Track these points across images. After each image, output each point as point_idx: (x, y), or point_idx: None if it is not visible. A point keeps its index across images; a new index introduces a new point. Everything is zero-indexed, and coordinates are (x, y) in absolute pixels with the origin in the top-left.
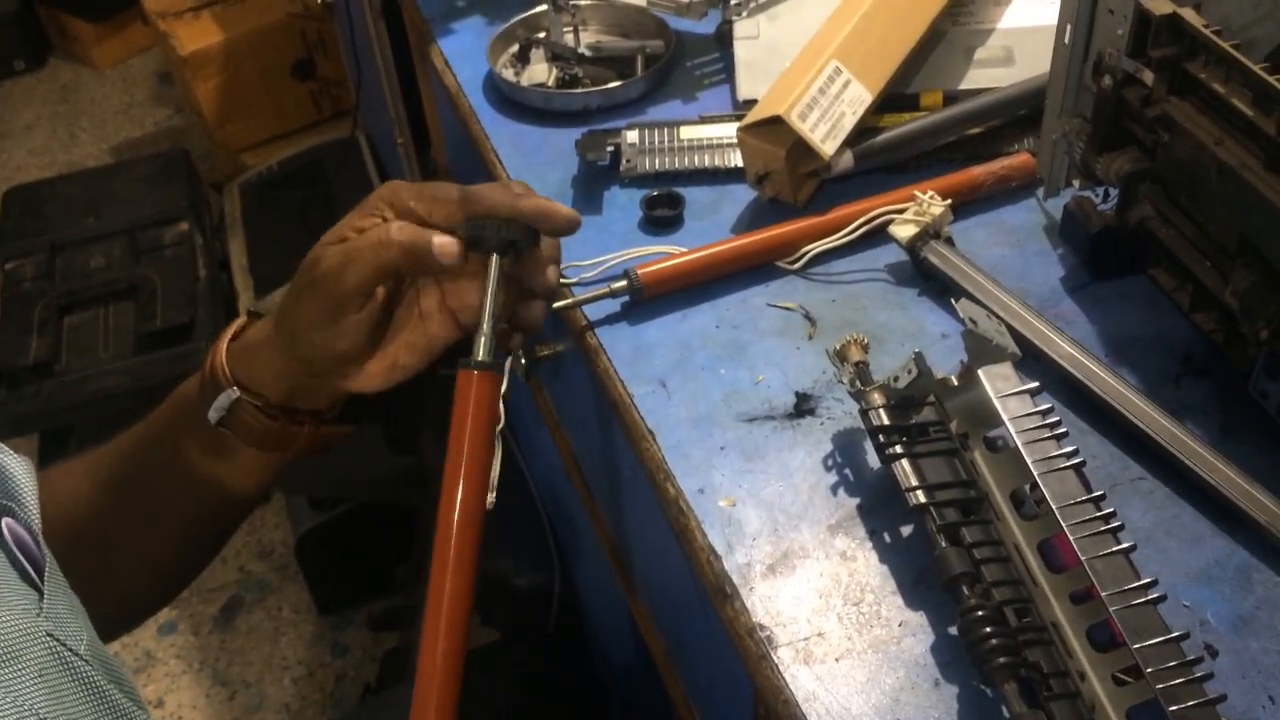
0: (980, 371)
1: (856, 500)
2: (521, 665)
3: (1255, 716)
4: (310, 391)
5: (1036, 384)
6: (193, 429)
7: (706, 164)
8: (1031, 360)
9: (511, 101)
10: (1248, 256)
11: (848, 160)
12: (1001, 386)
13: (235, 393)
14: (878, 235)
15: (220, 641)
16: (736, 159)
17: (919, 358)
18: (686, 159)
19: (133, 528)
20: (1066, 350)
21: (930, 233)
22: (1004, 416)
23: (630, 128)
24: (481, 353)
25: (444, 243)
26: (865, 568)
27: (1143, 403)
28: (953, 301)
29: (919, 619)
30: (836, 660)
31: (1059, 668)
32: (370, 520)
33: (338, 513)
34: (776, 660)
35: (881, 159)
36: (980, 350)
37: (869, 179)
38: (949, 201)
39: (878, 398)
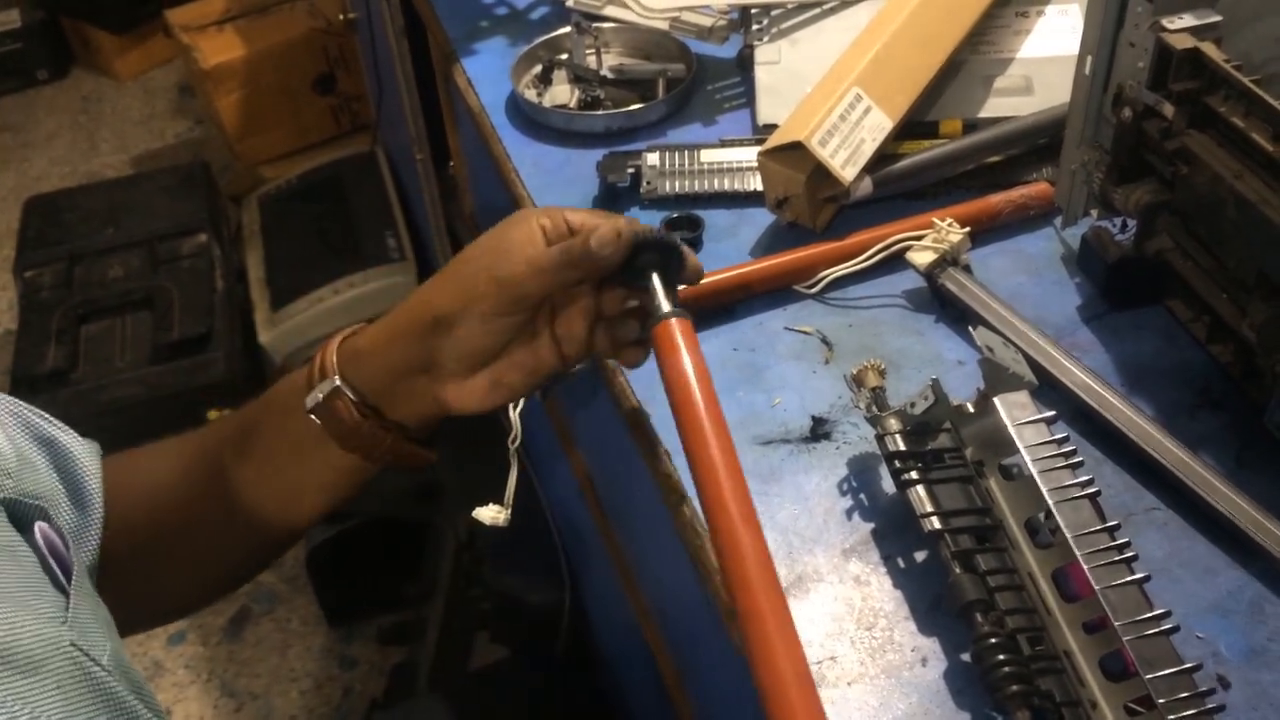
0: (996, 399)
1: (871, 525)
2: (530, 685)
3: None
4: (410, 397)
5: (1053, 413)
6: (285, 421)
7: (726, 187)
8: (1048, 389)
9: (533, 122)
10: (1265, 290)
11: (867, 186)
12: (1018, 414)
13: (336, 380)
14: (896, 261)
15: (229, 652)
16: (756, 183)
17: (936, 384)
18: (706, 182)
19: (212, 517)
20: (1082, 379)
21: (948, 259)
22: (1019, 444)
23: (651, 150)
24: (665, 304)
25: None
26: (879, 592)
27: (1158, 433)
28: (970, 329)
29: (932, 645)
30: (849, 684)
31: (1071, 697)
32: (381, 534)
33: (349, 526)
34: None
35: (900, 186)
36: (996, 378)
37: (888, 205)
38: (967, 229)
39: (894, 423)
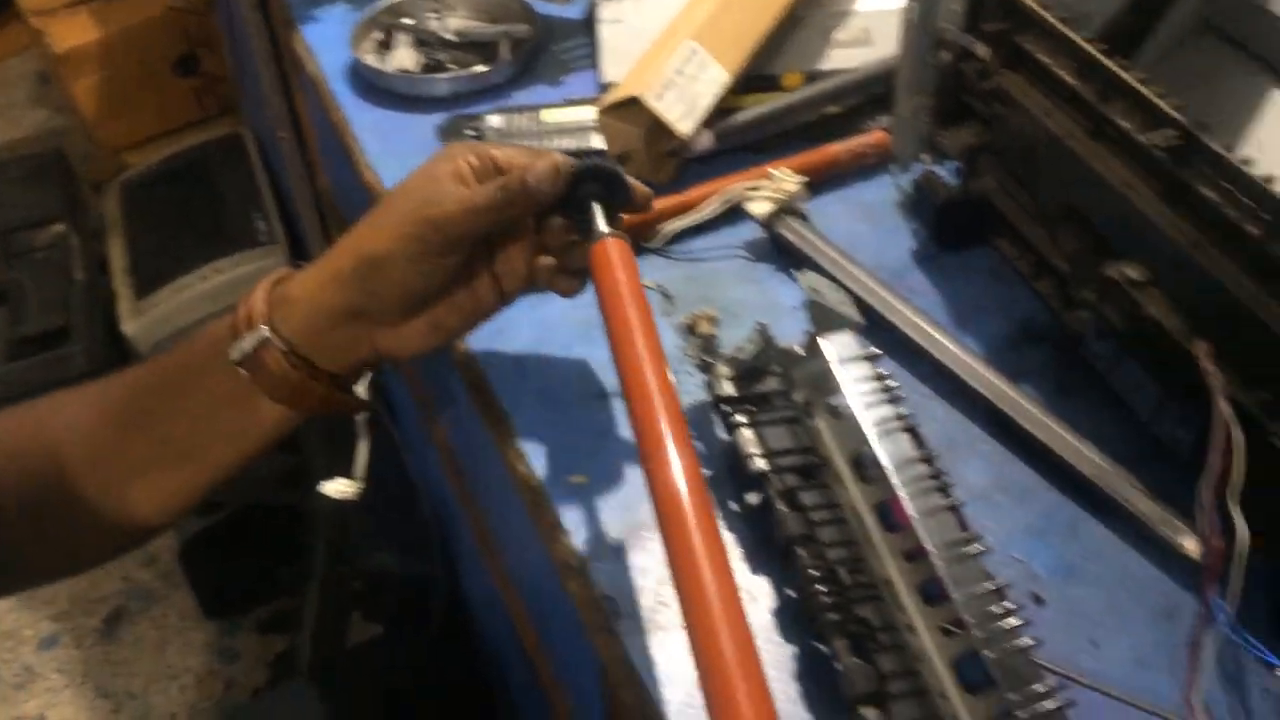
0: (822, 340)
1: (708, 472)
2: (405, 660)
3: (1079, 660)
4: (343, 344)
5: (876, 350)
6: (203, 378)
7: (572, 145)
8: (881, 331)
9: (375, 88)
10: (1074, 222)
11: (708, 139)
12: (842, 354)
13: (265, 331)
14: (736, 213)
15: (104, 653)
16: (599, 141)
17: (763, 328)
18: (550, 142)
19: (138, 464)
20: (913, 320)
21: (786, 209)
22: (842, 382)
23: (494, 112)
24: (604, 227)
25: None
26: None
27: (982, 368)
28: (794, 273)
29: (762, 584)
30: (680, 628)
31: (889, 622)
32: (254, 522)
33: (221, 516)
34: (620, 630)
35: (743, 138)
36: (823, 319)
37: (732, 159)
38: (804, 178)
39: (724, 370)
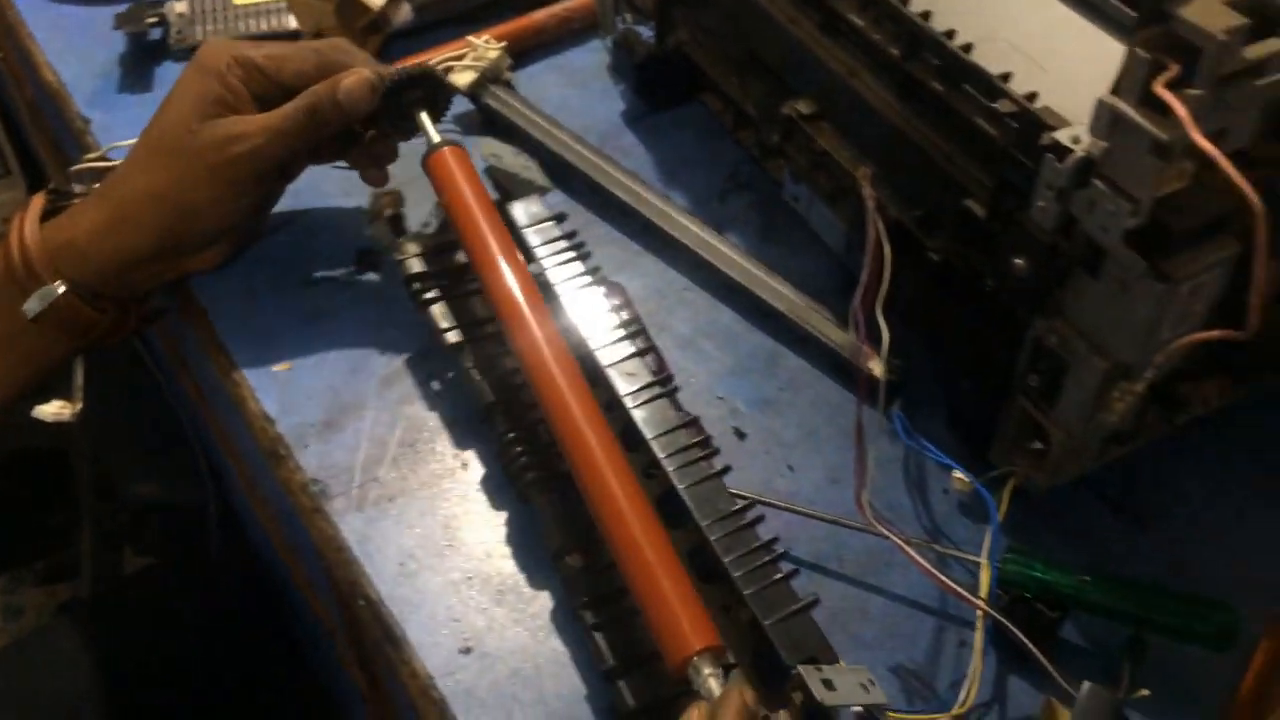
0: (509, 205)
1: (411, 351)
2: (185, 590)
3: (776, 484)
4: (145, 280)
5: (561, 211)
6: None
7: (265, 28)
8: (590, 193)
9: None
10: (758, 68)
11: (406, 13)
12: (529, 217)
13: (60, 287)
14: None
15: None
16: (294, 22)
17: (440, 203)
18: (243, 25)
19: None
20: (620, 180)
21: (489, 78)
22: (531, 244)
23: None
24: (435, 136)
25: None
26: (421, 413)
27: (687, 220)
28: (474, 143)
29: (470, 454)
30: (390, 500)
31: None
32: (19, 472)
33: None
34: (330, 511)
35: (446, 10)
36: (509, 185)
37: (438, 31)
38: (504, 44)
39: (412, 247)
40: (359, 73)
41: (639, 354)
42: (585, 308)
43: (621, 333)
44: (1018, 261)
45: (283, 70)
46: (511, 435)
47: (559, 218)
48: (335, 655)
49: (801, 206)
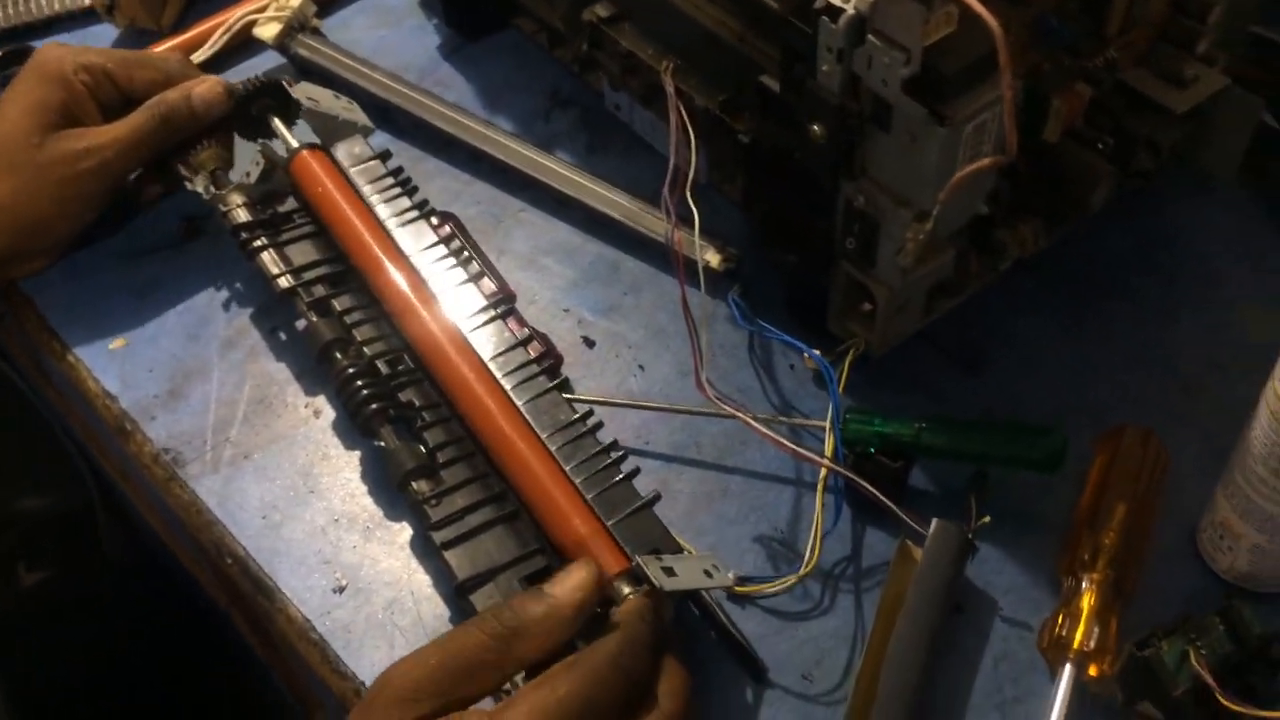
0: (333, 149)
1: (251, 308)
2: (85, 598)
3: (630, 385)
4: None
5: (385, 150)
6: None
7: (57, 9)
8: (415, 130)
9: None
10: None
11: None
12: (352, 159)
13: None
14: (252, 44)
15: None
16: None
17: (264, 147)
18: (24, 5)
19: None
20: (441, 111)
21: (296, 27)
22: (358, 185)
23: None
24: (294, 140)
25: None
26: (268, 368)
27: (513, 143)
28: (286, 83)
29: (322, 400)
30: (246, 458)
31: (432, 400)
32: None
33: None
34: (185, 477)
35: None
36: (328, 129)
37: None
38: None
39: (236, 198)
40: (211, 79)
41: (472, 280)
42: (414, 241)
43: (452, 261)
44: (815, 128)
45: (134, 79)
46: (350, 371)
47: (383, 155)
48: (236, 629)
49: (624, 114)
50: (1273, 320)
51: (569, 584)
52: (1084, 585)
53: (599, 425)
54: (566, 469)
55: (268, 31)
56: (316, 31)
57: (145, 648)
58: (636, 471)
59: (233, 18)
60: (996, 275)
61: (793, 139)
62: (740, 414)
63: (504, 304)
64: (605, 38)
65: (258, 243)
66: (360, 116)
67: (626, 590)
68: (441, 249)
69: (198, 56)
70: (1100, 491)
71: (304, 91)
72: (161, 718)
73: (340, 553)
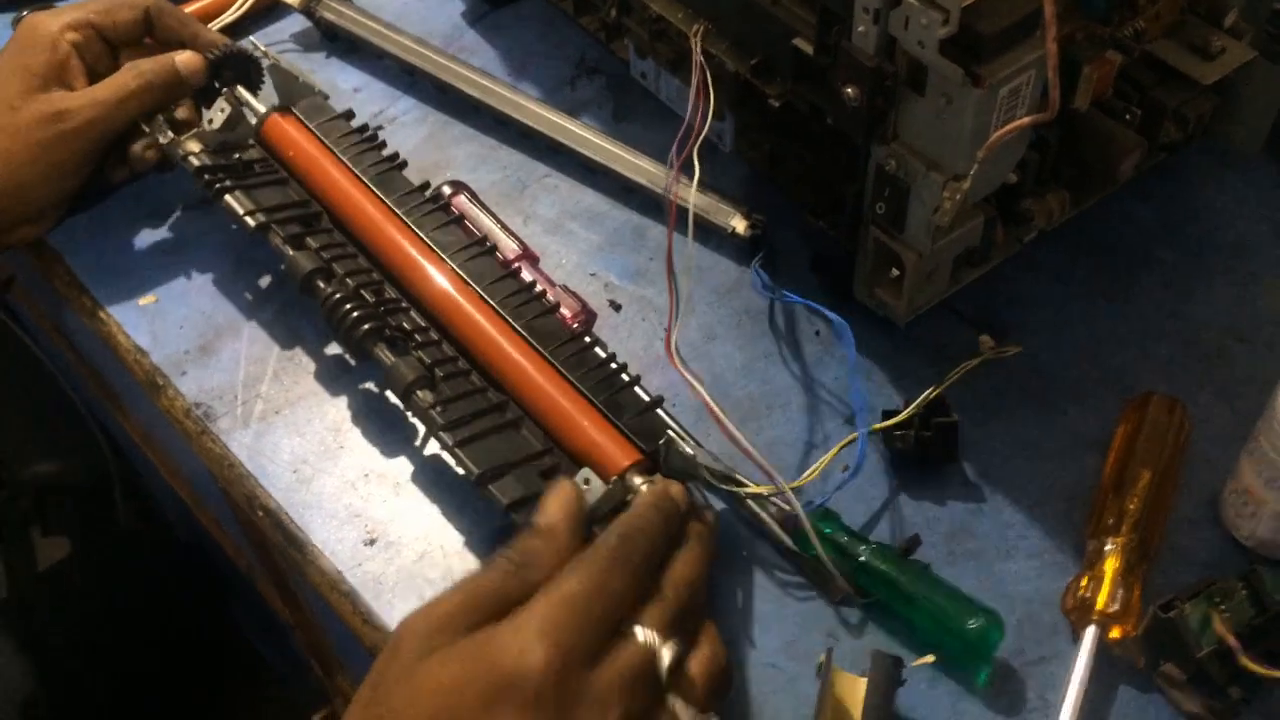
0: (294, 109)
1: (280, 265)
2: (102, 568)
3: (656, 348)
4: None
5: (349, 109)
6: None
7: None
8: (440, 95)
9: None
10: None
11: None
12: (317, 115)
13: None
14: (277, 7)
15: None
16: None
17: (227, 94)
18: None
19: None
20: (466, 76)
21: None
22: (330, 144)
23: None
24: (262, 105)
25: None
26: (298, 325)
27: (540, 109)
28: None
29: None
30: (276, 413)
31: (421, 325)
32: None
33: None
34: (216, 431)
35: None
36: (288, 87)
37: None
38: None
39: (193, 144)
40: (192, 53)
41: (453, 222)
42: (391, 189)
43: (431, 205)
44: (849, 91)
45: (117, 23)
46: (338, 296)
47: (347, 115)
48: (257, 592)
49: (649, 81)
50: None
51: (552, 507)
52: (1108, 549)
53: (596, 341)
54: (572, 377)
55: None
56: None
57: (160, 615)
58: (638, 379)
59: None
60: (1021, 245)
61: (825, 102)
62: (700, 390)
63: (522, 260)
64: (636, 2)
65: (221, 185)
66: (317, 83)
67: (639, 481)
68: (418, 195)
69: (225, 19)
70: (1125, 458)
71: (264, 47)
72: (175, 684)
73: (371, 506)
